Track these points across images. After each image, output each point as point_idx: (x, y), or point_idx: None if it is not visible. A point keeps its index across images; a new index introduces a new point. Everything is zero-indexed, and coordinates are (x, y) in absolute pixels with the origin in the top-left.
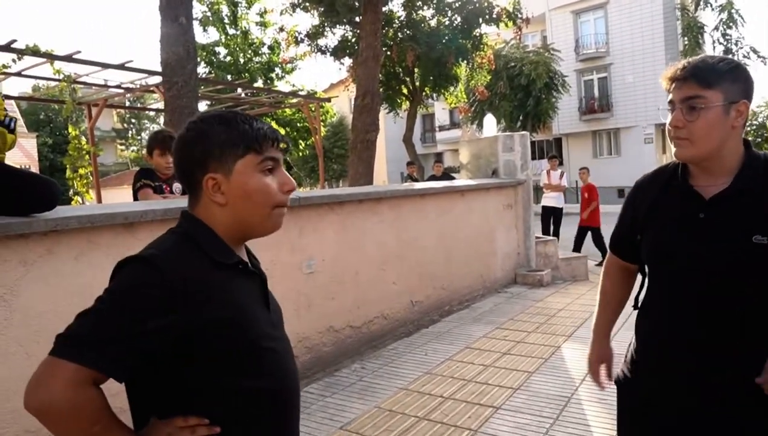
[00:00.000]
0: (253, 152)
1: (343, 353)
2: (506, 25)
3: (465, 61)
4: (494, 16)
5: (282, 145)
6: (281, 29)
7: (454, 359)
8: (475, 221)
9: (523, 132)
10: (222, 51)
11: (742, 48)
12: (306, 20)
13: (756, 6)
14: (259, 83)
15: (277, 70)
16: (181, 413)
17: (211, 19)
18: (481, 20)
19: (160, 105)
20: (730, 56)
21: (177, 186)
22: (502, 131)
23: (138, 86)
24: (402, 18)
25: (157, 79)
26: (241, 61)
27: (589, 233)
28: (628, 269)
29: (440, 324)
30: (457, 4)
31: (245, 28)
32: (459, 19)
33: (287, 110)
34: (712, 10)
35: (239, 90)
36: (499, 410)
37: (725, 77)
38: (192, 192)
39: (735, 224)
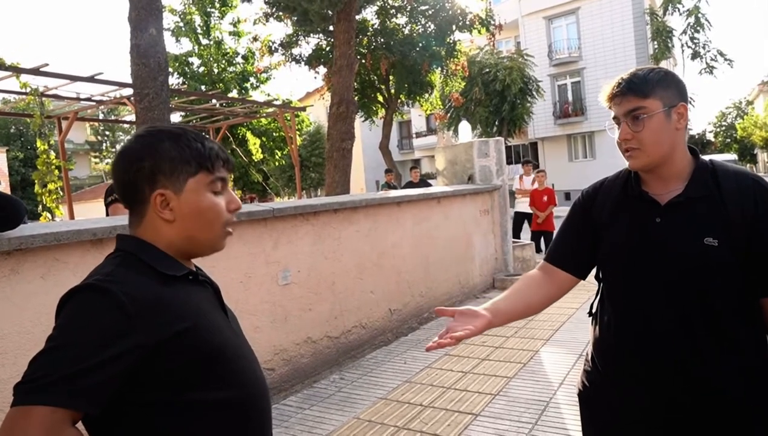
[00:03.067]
0: (205, 171)
1: (321, 364)
2: (479, 31)
3: (439, 68)
4: (467, 23)
5: (230, 165)
6: (255, 39)
7: (433, 366)
8: (453, 227)
9: (498, 138)
10: (195, 61)
11: (709, 51)
12: (280, 29)
13: (722, 11)
14: (234, 93)
15: (252, 79)
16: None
17: (183, 29)
18: (454, 27)
19: (134, 117)
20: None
21: None
22: (478, 137)
23: (110, 98)
24: (376, 26)
25: (130, 90)
26: (215, 71)
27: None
28: (553, 276)
29: (419, 332)
30: (430, 12)
31: (218, 38)
32: (432, 26)
33: (263, 120)
34: (680, 14)
35: (213, 100)
36: (479, 417)
37: (658, 85)
38: (135, 208)
39: (689, 227)
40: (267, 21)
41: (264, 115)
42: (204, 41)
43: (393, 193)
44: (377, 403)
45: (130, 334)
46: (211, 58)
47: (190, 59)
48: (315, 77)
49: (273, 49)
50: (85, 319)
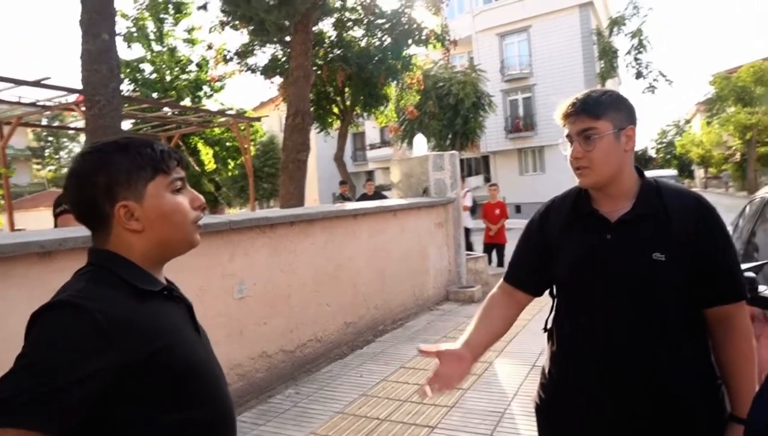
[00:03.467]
0: (162, 173)
1: (276, 379)
2: (435, 46)
3: (395, 81)
4: (423, 37)
5: (185, 164)
6: (209, 47)
7: (389, 379)
8: (408, 240)
9: (453, 151)
10: (147, 68)
11: (651, 71)
12: (235, 38)
13: (663, 34)
14: (187, 101)
15: (206, 88)
16: None
17: (135, 35)
18: (410, 41)
19: (81, 123)
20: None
21: None
22: (432, 150)
23: (57, 104)
24: (332, 38)
25: (76, 96)
26: (168, 78)
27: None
28: (515, 299)
29: (375, 344)
30: (387, 26)
31: (172, 45)
32: (389, 39)
33: (216, 129)
34: (625, 36)
35: (166, 108)
36: (436, 429)
37: (610, 108)
38: (98, 226)
39: (638, 243)
40: (223, 29)
41: (217, 124)
42: (157, 47)
43: (349, 205)
44: (334, 417)
45: (105, 352)
46: (164, 65)
47: (142, 65)
48: (270, 87)
49: (228, 58)
50: (57, 337)
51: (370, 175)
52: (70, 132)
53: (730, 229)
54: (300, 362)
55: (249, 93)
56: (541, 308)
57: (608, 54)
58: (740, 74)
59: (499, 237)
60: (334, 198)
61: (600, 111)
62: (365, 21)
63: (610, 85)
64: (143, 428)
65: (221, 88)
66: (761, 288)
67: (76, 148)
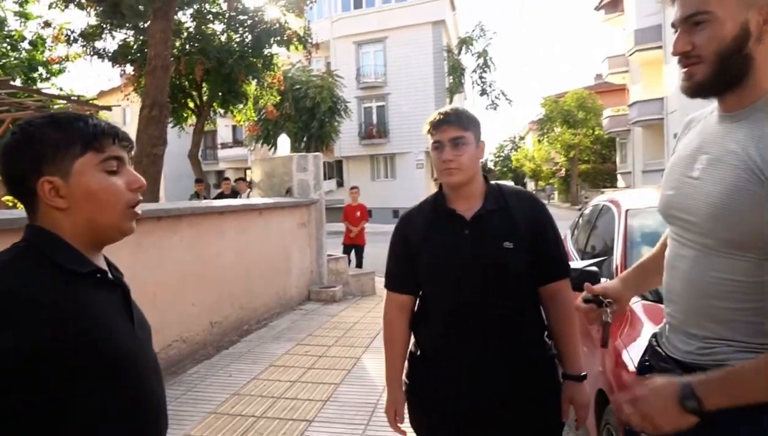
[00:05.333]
0: (93, 151)
1: None
2: (297, 48)
3: (255, 79)
4: (285, 38)
5: (125, 142)
6: (47, 24)
7: (259, 378)
8: (272, 239)
9: (317, 153)
10: None
11: (494, 90)
12: (80, 18)
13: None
14: (18, 83)
15: (42, 70)
16: None
17: None
18: (272, 40)
19: None
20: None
21: None
22: (288, 151)
23: None
24: (191, 30)
25: None
26: None
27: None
28: (406, 307)
29: (240, 344)
30: (248, 22)
31: (0, 16)
32: (250, 37)
33: None
34: (472, 55)
35: None
36: (313, 423)
37: (472, 123)
38: (27, 201)
39: (491, 235)
40: (66, 7)
41: (60, 111)
42: None
43: (216, 202)
44: (207, 418)
45: (9, 329)
46: None
47: None
48: (122, 75)
49: (72, 39)
50: None
51: (220, 174)
52: None
53: (567, 232)
54: (165, 364)
55: (89, 79)
56: None
57: (457, 71)
58: (566, 99)
59: (359, 239)
60: (189, 197)
61: (467, 124)
62: (227, 15)
63: (457, 99)
64: (52, 418)
65: (60, 71)
66: (602, 281)
67: None
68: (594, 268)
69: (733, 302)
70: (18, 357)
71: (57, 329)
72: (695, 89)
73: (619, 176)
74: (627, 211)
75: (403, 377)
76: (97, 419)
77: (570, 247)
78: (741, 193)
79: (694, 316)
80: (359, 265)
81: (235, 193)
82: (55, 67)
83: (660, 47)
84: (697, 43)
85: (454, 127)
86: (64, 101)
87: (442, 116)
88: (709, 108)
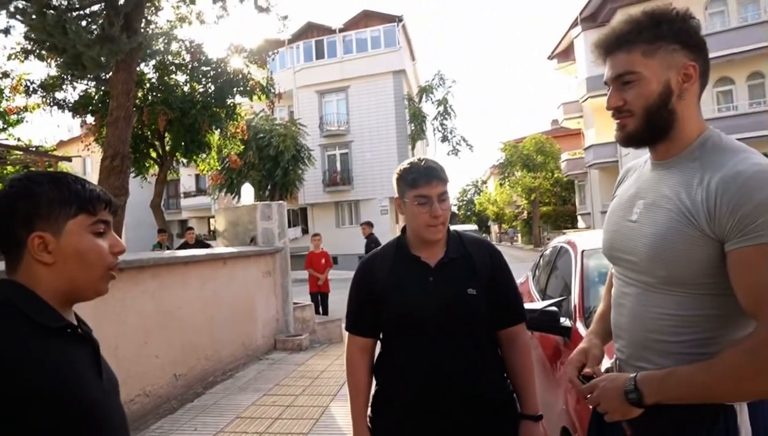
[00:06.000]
0: (86, 213)
1: None
2: (260, 98)
3: (219, 129)
4: (248, 88)
5: (114, 208)
6: (5, 74)
7: (225, 430)
8: (237, 288)
9: (281, 201)
10: None
11: (455, 136)
12: (40, 69)
13: (466, 104)
14: None
15: None
16: None
17: None
18: (235, 90)
19: None
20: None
21: None
22: (252, 200)
23: None
24: (154, 81)
25: None
26: None
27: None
28: (368, 349)
29: (206, 396)
30: (212, 73)
31: None
32: (213, 87)
33: (9, 167)
34: (432, 103)
35: None
36: None
37: (446, 176)
38: (11, 253)
39: (454, 282)
40: (26, 58)
41: (16, 161)
42: None
43: (180, 252)
44: None
45: None
46: None
47: None
48: (82, 126)
49: (31, 90)
50: None
51: (183, 223)
52: None
53: (529, 274)
54: (128, 419)
55: (48, 129)
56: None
57: (418, 118)
58: (525, 144)
59: (325, 286)
60: (152, 247)
61: (446, 177)
62: (189, 66)
63: (419, 146)
64: None
65: (18, 121)
66: (562, 320)
67: None
68: (554, 308)
69: (673, 336)
70: None
71: (34, 380)
72: (627, 139)
73: (579, 217)
74: (583, 251)
75: (367, 417)
76: None
77: (531, 287)
78: (674, 235)
79: (640, 350)
80: (325, 312)
81: (201, 244)
82: (13, 117)
83: None
84: (628, 99)
85: (442, 183)
86: (22, 152)
87: (429, 171)
88: (643, 158)
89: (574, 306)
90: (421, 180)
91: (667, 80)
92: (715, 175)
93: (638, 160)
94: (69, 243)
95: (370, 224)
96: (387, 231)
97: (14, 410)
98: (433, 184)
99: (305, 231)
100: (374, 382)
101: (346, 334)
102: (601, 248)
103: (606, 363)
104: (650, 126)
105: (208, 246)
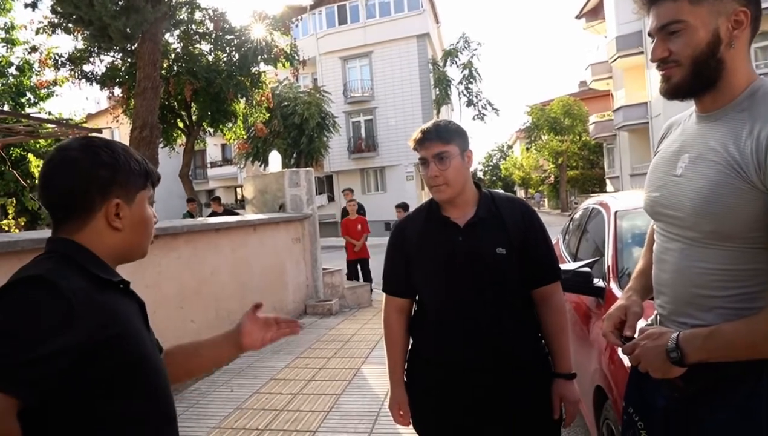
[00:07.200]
0: (150, 186)
1: None
2: (284, 65)
3: (244, 98)
4: (272, 56)
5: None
6: (34, 49)
7: (261, 391)
8: (268, 255)
9: (308, 168)
10: None
11: (480, 100)
12: (67, 42)
13: (492, 66)
14: (6, 108)
15: (30, 95)
16: None
17: None
18: (259, 58)
19: None
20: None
21: None
22: (280, 167)
23: None
24: (178, 50)
25: None
26: None
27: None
28: (404, 310)
29: (239, 360)
30: (235, 42)
31: None
32: (238, 56)
33: (42, 141)
34: (457, 67)
35: None
36: (317, 434)
37: (455, 134)
38: (76, 216)
39: (484, 242)
40: (53, 32)
41: (47, 135)
42: None
43: (211, 220)
44: (212, 433)
45: (70, 329)
46: None
47: None
48: (110, 97)
49: (59, 63)
50: (31, 309)
51: (210, 193)
52: None
53: (559, 236)
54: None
55: (81, 103)
56: None
57: (443, 83)
58: (552, 107)
59: (363, 252)
60: (182, 217)
61: (449, 137)
62: (213, 36)
63: (444, 111)
64: (86, 414)
65: (48, 96)
66: (595, 281)
67: None
68: (587, 269)
69: (719, 290)
70: (66, 359)
71: (106, 328)
72: (673, 91)
73: (607, 181)
74: (616, 212)
75: (404, 375)
76: (123, 420)
77: (562, 250)
78: (723, 188)
79: (683, 305)
80: (366, 278)
81: (229, 212)
82: (43, 91)
83: (641, 53)
84: (674, 49)
85: (436, 143)
86: (53, 125)
87: (423, 134)
88: (687, 112)
89: (608, 267)
90: (417, 143)
91: (715, 28)
92: (765, 125)
93: (681, 115)
94: (137, 212)
95: (405, 207)
96: (413, 197)
97: (92, 356)
98: (426, 145)
99: (331, 199)
100: (411, 341)
101: (383, 295)
102: (642, 206)
103: (641, 323)
104: (698, 77)
105: (236, 214)
